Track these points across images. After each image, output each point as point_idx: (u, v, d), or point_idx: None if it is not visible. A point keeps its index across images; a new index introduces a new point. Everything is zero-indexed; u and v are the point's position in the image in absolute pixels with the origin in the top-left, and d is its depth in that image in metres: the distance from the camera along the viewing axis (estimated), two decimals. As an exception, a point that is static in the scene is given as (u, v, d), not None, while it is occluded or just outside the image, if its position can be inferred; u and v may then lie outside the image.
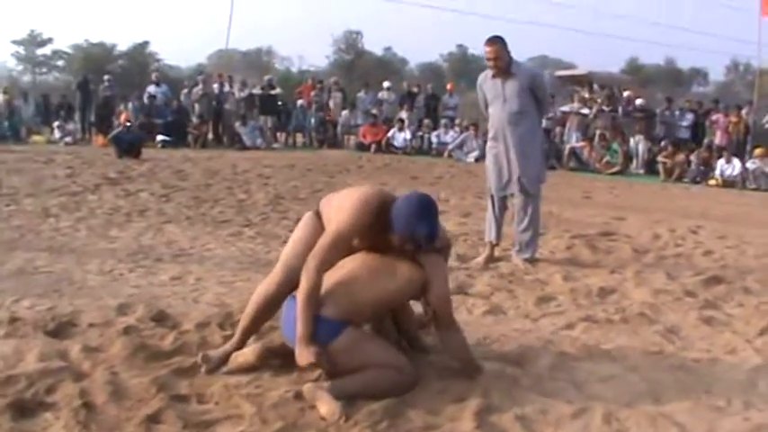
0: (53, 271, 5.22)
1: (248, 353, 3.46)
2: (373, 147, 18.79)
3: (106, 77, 20.97)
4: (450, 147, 18.17)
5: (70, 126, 18.54)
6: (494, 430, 2.91)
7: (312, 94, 21.28)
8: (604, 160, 15.84)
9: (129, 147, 14.04)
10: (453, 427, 2.89)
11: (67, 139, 17.74)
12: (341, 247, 3.31)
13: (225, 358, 3.47)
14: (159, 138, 18.06)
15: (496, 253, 6.21)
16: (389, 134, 19.29)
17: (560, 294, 5.08)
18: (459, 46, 56.81)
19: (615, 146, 15.84)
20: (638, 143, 16.26)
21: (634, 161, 16.31)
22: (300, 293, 3.17)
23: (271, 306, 3.55)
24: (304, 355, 3.12)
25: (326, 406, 2.98)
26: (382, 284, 3.29)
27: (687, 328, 4.41)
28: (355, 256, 3.41)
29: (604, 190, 12.45)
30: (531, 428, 2.94)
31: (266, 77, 21.58)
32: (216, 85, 20.02)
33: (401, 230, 3.26)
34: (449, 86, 22.18)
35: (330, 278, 3.27)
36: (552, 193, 11.48)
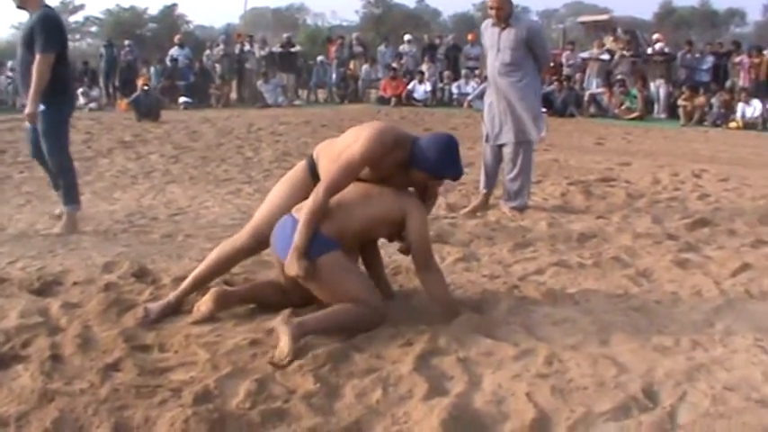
0: (51, 233, 5.42)
1: (207, 299, 3.61)
2: (393, 100, 18.82)
3: (127, 42, 21.19)
4: (469, 97, 18.04)
5: (94, 92, 18.80)
6: (433, 372, 3.01)
7: (333, 49, 21.30)
8: (624, 106, 15.65)
9: (148, 110, 14.27)
10: (393, 369, 3.00)
11: (92, 105, 18.01)
12: (352, 175, 3.44)
13: (166, 309, 3.64)
14: (181, 100, 18.26)
15: (491, 201, 6.27)
16: (410, 87, 19.28)
17: (539, 240, 5.15)
18: (481, -8, 55.91)
19: (634, 91, 15.64)
20: (659, 88, 16.02)
21: (655, 106, 16.08)
22: (306, 211, 3.34)
23: (226, 266, 3.78)
24: (294, 266, 3.29)
25: (280, 346, 3.14)
26: (369, 210, 3.46)
27: (659, 271, 4.46)
28: (353, 185, 3.52)
29: (619, 136, 12.36)
30: (472, 370, 3.04)
31: (285, 35, 21.61)
32: (237, 46, 20.11)
33: (431, 170, 3.47)
34: (470, 36, 21.93)
35: (331, 201, 3.41)
36: (564, 140, 11.55)
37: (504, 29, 5.89)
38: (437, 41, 21.68)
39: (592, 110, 16.26)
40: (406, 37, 21.80)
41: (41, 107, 5.26)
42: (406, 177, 3.56)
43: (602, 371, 3.01)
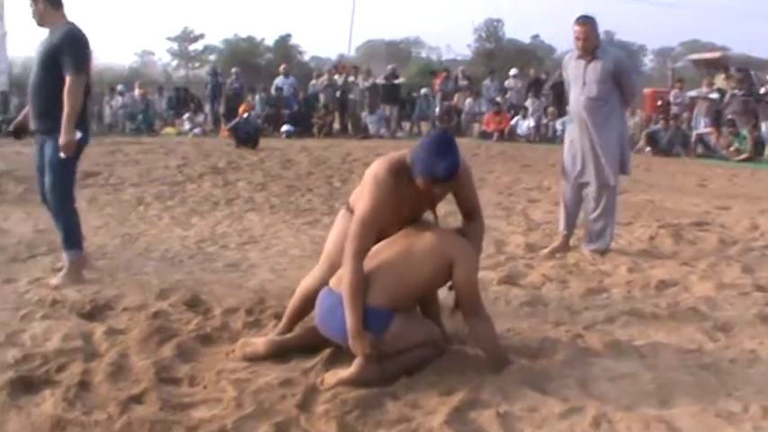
0: (118, 257, 5.48)
1: (258, 343, 3.50)
2: (496, 135, 18.56)
3: (233, 70, 21.77)
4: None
5: (200, 118, 19.35)
6: (468, 426, 2.79)
7: (437, 82, 21.27)
8: (732, 147, 14.89)
9: (247, 137, 14.50)
10: (424, 422, 2.80)
11: (196, 130, 18.52)
12: (371, 230, 3.27)
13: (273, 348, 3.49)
14: (284, 128, 18.54)
15: (572, 243, 5.97)
16: (513, 122, 18.99)
17: (615, 287, 4.83)
18: (606, 32, 55.09)
19: (744, 132, 14.84)
20: (771, 129, 15.18)
21: (767, 148, 15.22)
22: (345, 285, 3.17)
23: (311, 299, 3.53)
24: (360, 347, 3.13)
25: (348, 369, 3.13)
26: (416, 271, 3.24)
27: (740, 326, 4.06)
28: (391, 240, 3.37)
29: (724, 178, 11.70)
30: (511, 426, 2.80)
31: (389, 66, 21.68)
32: (339, 76, 20.36)
33: (422, 172, 3.21)
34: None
35: (372, 267, 3.25)
36: (664, 181, 11.04)
37: (590, 61, 5.62)
38: (543, 77, 21.32)
39: (699, 150, 15.52)
40: (512, 71, 21.52)
41: (55, 134, 4.69)
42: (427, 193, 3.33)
43: (654, 436, 2.72)
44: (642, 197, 9.02)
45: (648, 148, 15.71)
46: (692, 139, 15.73)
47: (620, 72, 5.65)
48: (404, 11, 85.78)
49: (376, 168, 3.35)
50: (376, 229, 3.29)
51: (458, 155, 3.22)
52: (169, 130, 19.37)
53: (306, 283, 3.64)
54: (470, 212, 3.54)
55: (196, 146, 15.04)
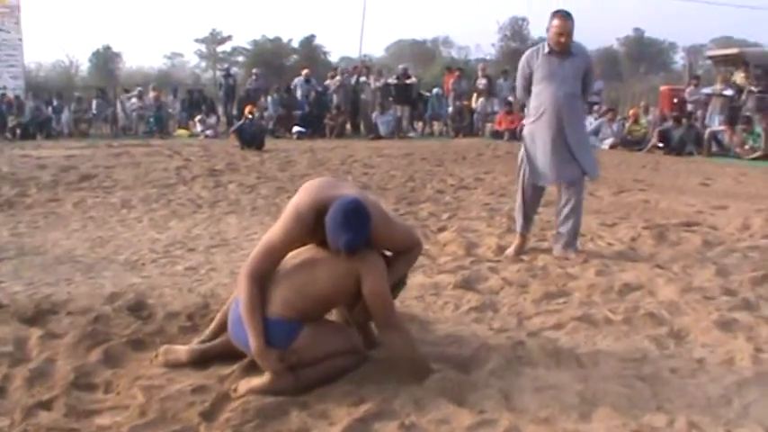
0: (83, 260, 5.46)
1: (181, 351, 3.44)
2: (507, 134, 18.40)
3: (254, 70, 21.86)
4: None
5: (212, 120, 19.41)
6: (365, 438, 2.71)
7: (450, 81, 21.13)
8: (747, 145, 14.58)
9: (252, 138, 14.52)
10: (321, 432, 2.72)
11: (208, 132, 18.59)
12: (274, 258, 3.22)
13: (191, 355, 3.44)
14: (295, 129, 18.55)
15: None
16: (524, 122, 18.78)
17: (576, 291, 4.69)
18: (636, 29, 54.71)
19: (758, 129, 14.53)
20: (786, 126, 14.81)
21: (782, 146, 14.87)
22: (241, 306, 3.13)
23: None
24: (268, 364, 3.08)
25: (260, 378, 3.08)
26: (319, 285, 3.18)
27: (695, 332, 3.92)
28: (296, 253, 3.30)
29: (731, 177, 11.43)
30: (413, 439, 2.71)
31: (401, 66, 21.60)
32: (352, 76, 20.34)
33: (329, 240, 3.13)
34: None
35: (277, 278, 3.20)
36: (666, 180, 10.83)
37: (566, 58, 5.52)
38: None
39: (713, 148, 15.23)
40: (522, 71, 21.28)
41: None
42: None
43: (562, 452, 2.60)
44: (638, 197, 8.85)
45: (661, 145, 15.47)
46: (706, 136, 15.42)
47: (589, 70, 5.62)
48: (434, 10, 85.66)
49: (301, 202, 3.24)
50: (280, 257, 3.23)
51: (361, 229, 3.09)
52: (181, 132, 19.49)
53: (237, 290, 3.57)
54: (401, 252, 3.44)
55: (203, 148, 15.09)
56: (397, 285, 3.42)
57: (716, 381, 3.27)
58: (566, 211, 5.67)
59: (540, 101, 5.60)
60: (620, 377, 3.30)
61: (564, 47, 5.48)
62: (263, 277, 3.16)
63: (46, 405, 2.98)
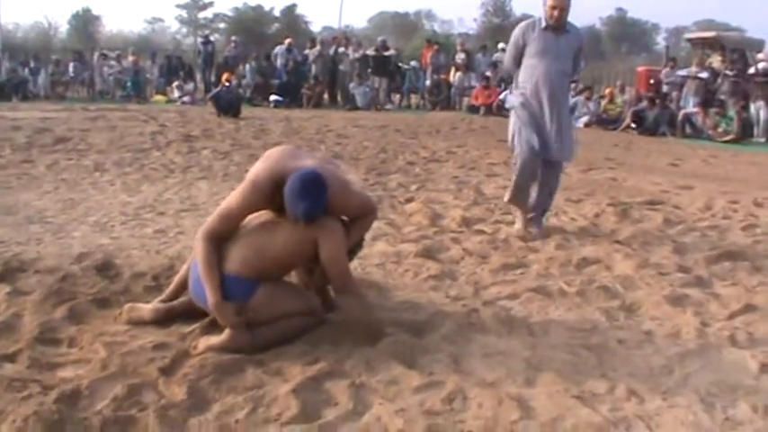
0: (53, 221, 5.50)
1: (144, 309, 3.53)
2: (483, 109, 18.50)
3: (233, 38, 21.76)
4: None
5: (189, 86, 19.32)
6: (317, 395, 2.81)
7: (429, 55, 21.15)
8: (720, 128, 14.78)
9: (229, 106, 14.50)
10: (273, 389, 2.82)
11: (185, 98, 18.51)
12: (230, 223, 3.32)
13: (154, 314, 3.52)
14: (272, 98, 18.51)
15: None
16: (501, 96, 18.89)
17: (535, 263, 4.83)
18: (619, 9, 55.00)
19: (731, 113, 14.72)
20: (759, 110, 15.02)
21: (755, 129, 15.10)
22: (199, 264, 3.24)
23: None
24: (223, 317, 3.19)
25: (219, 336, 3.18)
26: (276, 246, 3.28)
27: (646, 306, 4.06)
28: (260, 214, 3.40)
29: (700, 159, 11.62)
30: (362, 398, 2.81)
31: (380, 39, 21.59)
32: (331, 47, 20.31)
33: (287, 208, 3.22)
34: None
35: (237, 238, 3.30)
36: (637, 160, 11.00)
37: (561, 34, 5.44)
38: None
39: (687, 130, 15.41)
40: (500, 45, 21.37)
41: None
42: None
43: (503, 414, 2.73)
44: (606, 175, 9.00)
45: (634, 125, 15.64)
46: (679, 118, 15.60)
47: (581, 48, 5.62)
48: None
49: (259, 171, 3.33)
50: (237, 222, 3.33)
51: (318, 198, 3.18)
52: (159, 97, 19.39)
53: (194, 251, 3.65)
54: (357, 218, 3.53)
55: (180, 114, 15.04)
56: (353, 249, 3.53)
57: (660, 352, 3.41)
58: (554, 189, 5.74)
59: (531, 74, 5.50)
60: (568, 346, 3.43)
61: (558, 22, 5.40)
62: (219, 239, 3.27)
63: (10, 357, 3.06)
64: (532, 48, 5.49)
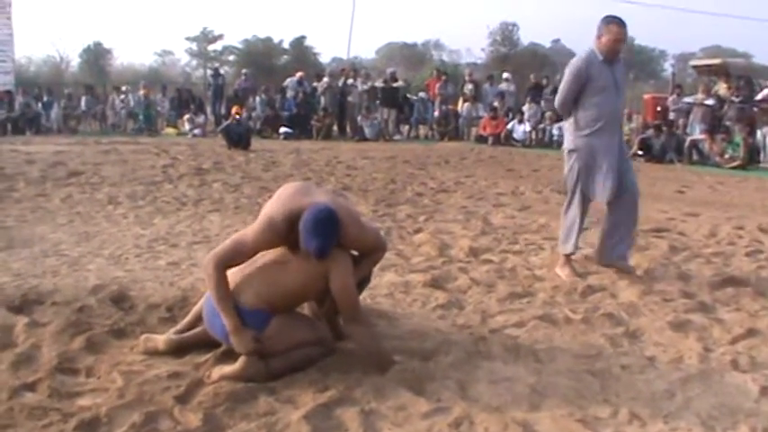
0: (69, 254, 5.63)
1: (159, 340, 3.63)
2: (491, 139, 18.67)
3: (243, 71, 22.04)
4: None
5: (200, 119, 19.57)
6: (327, 422, 2.90)
7: (437, 86, 21.36)
8: (726, 155, 14.86)
9: (239, 138, 14.71)
10: (284, 416, 2.92)
11: (196, 131, 18.76)
12: (242, 257, 3.42)
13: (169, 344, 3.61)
14: (282, 130, 18.73)
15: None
16: (509, 126, 19.09)
17: (541, 291, 4.92)
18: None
19: (738, 139, 14.81)
20: (766, 135, 15.10)
21: (761, 155, 15.17)
22: (212, 293, 3.35)
23: None
24: (243, 344, 3.28)
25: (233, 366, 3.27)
26: (287, 279, 3.38)
27: (650, 332, 4.14)
28: (273, 249, 3.50)
29: (707, 185, 11.68)
30: (371, 424, 2.91)
31: (389, 70, 21.87)
32: (339, 79, 20.56)
33: (301, 243, 3.32)
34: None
35: (249, 271, 3.41)
36: (643, 188, 10.86)
37: (614, 65, 5.22)
38: (544, 82, 21.36)
39: (694, 157, 15.49)
40: (505, 75, 21.63)
41: None
42: None
43: (509, 437, 2.82)
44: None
45: (641, 153, 15.73)
46: (686, 145, 15.68)
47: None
48: (426, 13, 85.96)
49: (274, 210, 3.43)
50: (248, 257, 3.42)
51: (331, 236, 3.28)
52: (170, 130, 19.66)
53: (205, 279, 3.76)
54: (367, 253, 3.65)
55: (191, 147, 15.27)
56: (361, 283, 3.64)
57: (662, 377, 3.49)
58: (626, 222, 5.47)
59: (598, 112, 5.17)
60: (573, 372, 3.51)
61: (617, 55, 5.22)
62: (228, 268, 3.37)
63: (31, 387, 3.17)
64: (599, 83, 5.16)
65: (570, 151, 5.38)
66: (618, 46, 5.16)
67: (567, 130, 5.46)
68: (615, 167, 5.22)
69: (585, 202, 5.42)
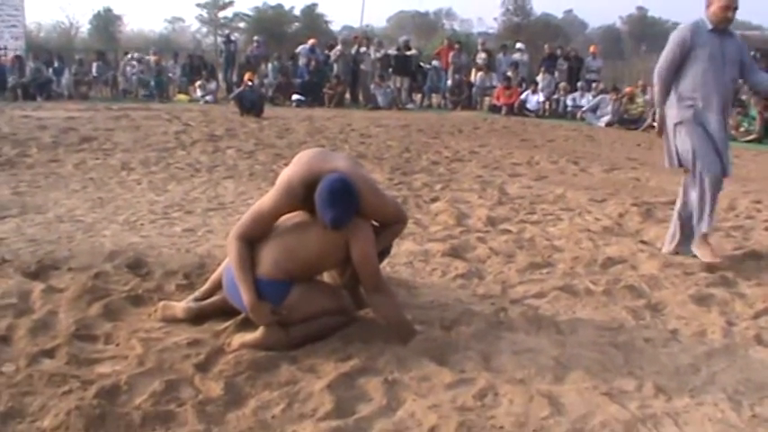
0: (83, 220, 5.59)
1: (177, 307, 3.60)
2: (505, 109, 18.52)
3: (255, 38, 21.87)
4: (583, 109, 17.63)
5: (211, 85, 19.46)
6: (351, 392, 2.87)
7: (451, 55, 21.15)
8: (742, 128, 14.68)
9: (252, 105, 14.61)
10: (307, 385, 2.88)
11: (208, 97, 18.65)
12: (263, 225, 3.36)
13: (187, 312, 3.58)
14: (294, 97, 18.61)
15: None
16: (522, 96, 18.91)
17: (561, 262, 4.86)
18: (639, 8, 54.76)
19: (753, 113, 14.62)
20: (783, 109, 14.89)
21: (778, 128, 14.96)
22: (233, 265, 3.29)
23: None
24: (259, 316, 3.24)
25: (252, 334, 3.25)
26: (308, 248, 3.32)
27: (672, 305, 4.09)
28: (288, 217, 3.44)
29: (722, 158, 11.54)
30: (395, 394, 2.87)
31: (402, 38, 21.64)
32: (352, 46, 20.39)
33: (317, 214, 3.26)
34: (592, 49, 21.36)
35: (269, 241, 3.34)
36: (658, 159, 10.88)
37: (726, 38, 4.92)
38: (558, 52, 21.14)
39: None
40: (518, 45, 21.40)
41: None
42: None
43: (534, 410, 2.78)
44: (629, 175, 8.99)
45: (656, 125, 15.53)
46: (702, 118, 15.46)
47: (746, 54, 5.05)
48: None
49: (292, 174, 3.36)
50: (269, 225, 3.37)
51: (346, 207, 3.20)
52: (181, 97, 19.56)
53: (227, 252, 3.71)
54: (388, 224, 3.58)
55: (203, 113, 15.19)
56: (382, 254, 3.58)
57: (687, 350, 3.44)
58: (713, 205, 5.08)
59: (704, 82, 4.90)
60: (596, 344, 3.46)
61: (728, 24, 4.90)
62: (252, 240, 3.32)
63: (49, 353, 3.14)
64: (703, 53, 4.89)
65: (677, 125, 5.04)
66: (727, 14, 4.84)
67: (671, 105, 5.07)
68: (718, 146, 4.95)
69: (715, 177, 4.99)
